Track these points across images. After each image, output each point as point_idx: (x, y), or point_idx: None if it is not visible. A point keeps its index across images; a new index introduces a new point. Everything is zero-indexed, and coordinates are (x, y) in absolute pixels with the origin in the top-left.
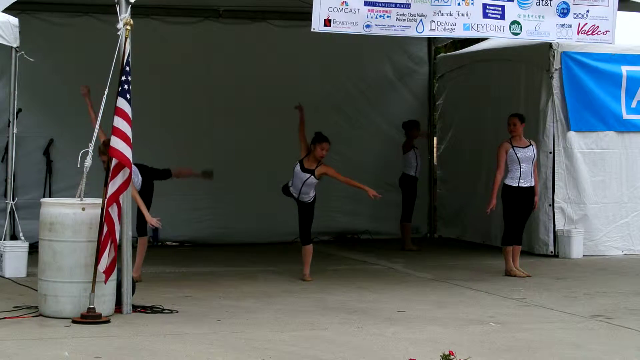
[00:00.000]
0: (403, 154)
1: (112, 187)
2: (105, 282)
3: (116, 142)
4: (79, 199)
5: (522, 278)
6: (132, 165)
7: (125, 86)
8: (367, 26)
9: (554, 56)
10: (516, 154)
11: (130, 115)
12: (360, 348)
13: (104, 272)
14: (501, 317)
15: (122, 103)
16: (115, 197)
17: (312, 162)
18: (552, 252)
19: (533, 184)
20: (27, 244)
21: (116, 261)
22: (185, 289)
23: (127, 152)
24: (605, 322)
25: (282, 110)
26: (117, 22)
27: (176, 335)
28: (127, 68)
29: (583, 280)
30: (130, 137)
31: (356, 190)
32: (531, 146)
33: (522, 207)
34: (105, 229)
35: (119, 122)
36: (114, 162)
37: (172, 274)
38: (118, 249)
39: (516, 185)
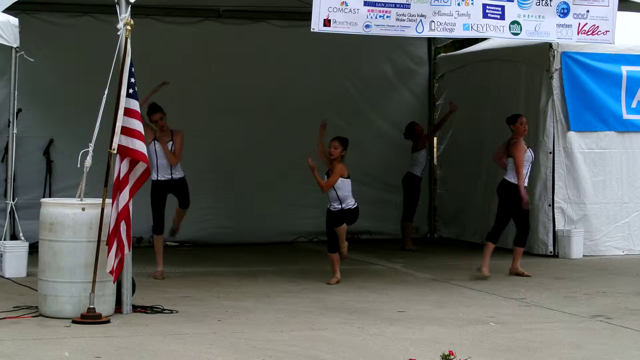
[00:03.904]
0: (412, 152)
1: (130, 185)
2: (114, 282)
3: (133, 143)
4: (79, 199)
5: (522, 278)
6: None
7: (136, 88)
8: (367, 26)
9: (554, 56)
10: (531, 156)
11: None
12: (360, 348)
13: (110, 272)
14: (501, 317)
15: (134, 104)
16: (133, 193)
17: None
18: (551, 252)
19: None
20: (27, 244)
21: (123, 263)
22: (185, 289)
23: (145, 150)
24: (605, 322)
25: (282, 110)
26: (117, 22)
27: (176, 335)
28: (132, 69)
29: (583, 280)
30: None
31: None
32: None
33: (516, 206)
34: (111, 227)
35: (134, 123)
36: (121, 163)
37: (172, 274)
38: None
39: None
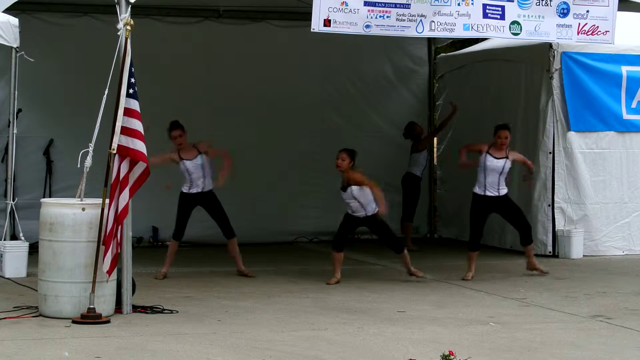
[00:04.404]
0: (412, 152)
1: (129, 185)
2: (107, 282)
3: (134, 143)
4: (79, 199)
5: (522, 278)
6: None
7: (136, 88)
8: (367, 26)
9: (554, 56)
10: (485, 162)
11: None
12: (360, 348)
13: (107, 271)
14: (501, 317)
15: (135, 105)
16: (132, 194)
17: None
18: (550, 252)
19: (502, 194)
20: (27, 244)
21: (117, 260)
22: (185, 289)
23: (145, 150)
24: (605, 322)
25: (282, 110)
26: (117, 22)
27: (176, 335)
28: (132, 69)
29: (583, 280)
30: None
31: None
32: (505, 159)
33: (503, 214)
34: (109, 227)
35: (134, 123)
36: (121, 163)
37: (172, 274)
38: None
39: (482, 193)
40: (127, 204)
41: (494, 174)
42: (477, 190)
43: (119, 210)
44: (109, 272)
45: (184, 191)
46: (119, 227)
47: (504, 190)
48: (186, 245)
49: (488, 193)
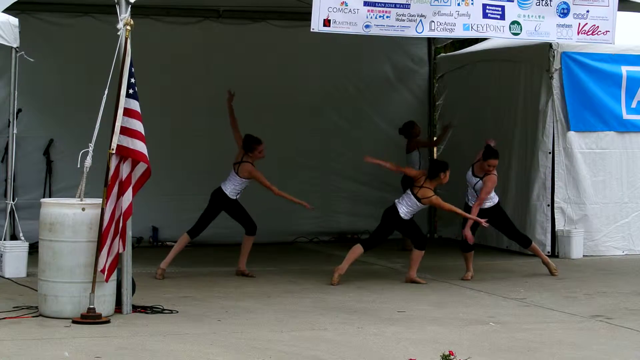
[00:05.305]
0: (406, 153)
1: (131, 185)
2: (106, 280)
3: (134, 143)
4: (79, 199)
5: (522, 278)
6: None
7: (136, 88)
8: (367, 26)
9: (554, 56)
10: (467, 173)
11: (141, 116)
12: (360, 348)
13: (102, 270)
14: (501, 317)
15: (135, 105)
16: (134, 192)
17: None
18: (549, 252)
19: (485, 207)
20: (27, 244)
21: (117, 260)
22: (185, 289)
23: (145, 151)
24: (605, 322)
25: (282, 110)
26: (117, 22)
27: (176, 335)
28: (132, 69)
29: (583, 281)
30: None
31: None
32: (479, 179)
33: (492, 224)
34: (104, 227)
35: (134, 124)
36: (123, 163)
37: (172, 274)
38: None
39: (466, 201)
40: (131, 204)
41: (470, 187)
42: (466, 198)
43: (123, 210)
44: (103, 271)
45: (232, 197)
46: (119, 227)
47: (486, 204)
48: (187, 245)
49: (470, 203)
